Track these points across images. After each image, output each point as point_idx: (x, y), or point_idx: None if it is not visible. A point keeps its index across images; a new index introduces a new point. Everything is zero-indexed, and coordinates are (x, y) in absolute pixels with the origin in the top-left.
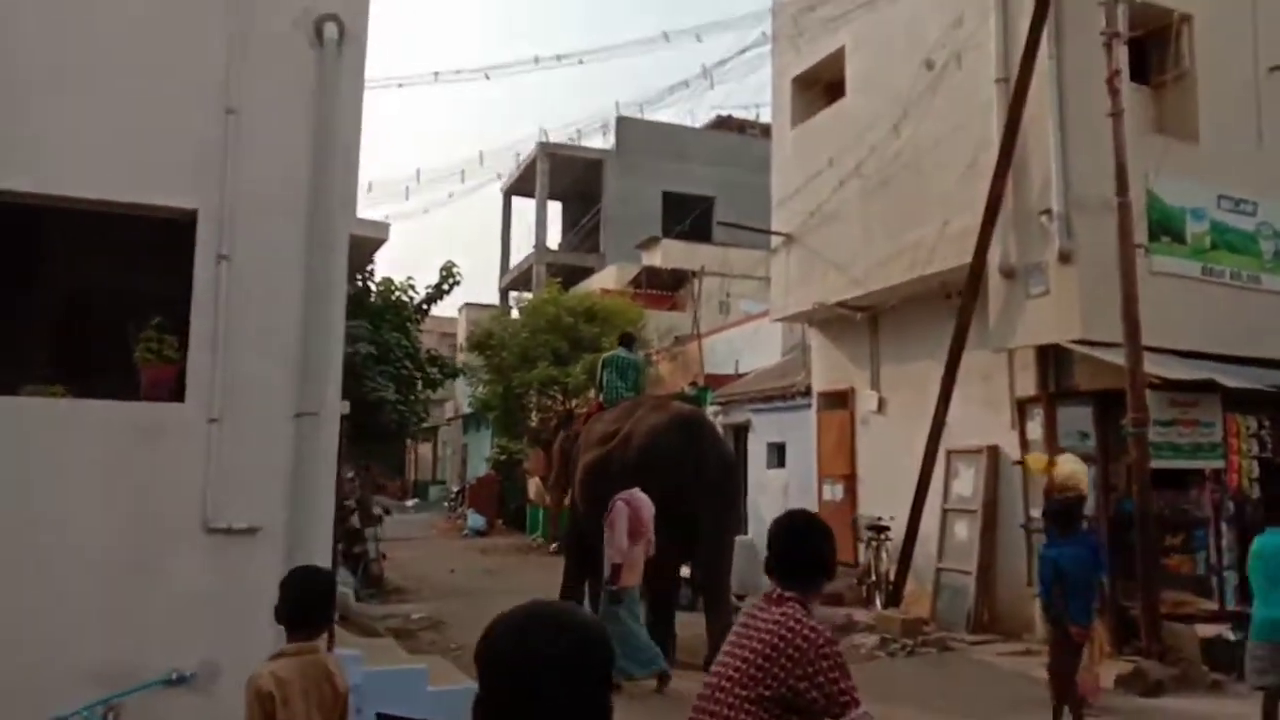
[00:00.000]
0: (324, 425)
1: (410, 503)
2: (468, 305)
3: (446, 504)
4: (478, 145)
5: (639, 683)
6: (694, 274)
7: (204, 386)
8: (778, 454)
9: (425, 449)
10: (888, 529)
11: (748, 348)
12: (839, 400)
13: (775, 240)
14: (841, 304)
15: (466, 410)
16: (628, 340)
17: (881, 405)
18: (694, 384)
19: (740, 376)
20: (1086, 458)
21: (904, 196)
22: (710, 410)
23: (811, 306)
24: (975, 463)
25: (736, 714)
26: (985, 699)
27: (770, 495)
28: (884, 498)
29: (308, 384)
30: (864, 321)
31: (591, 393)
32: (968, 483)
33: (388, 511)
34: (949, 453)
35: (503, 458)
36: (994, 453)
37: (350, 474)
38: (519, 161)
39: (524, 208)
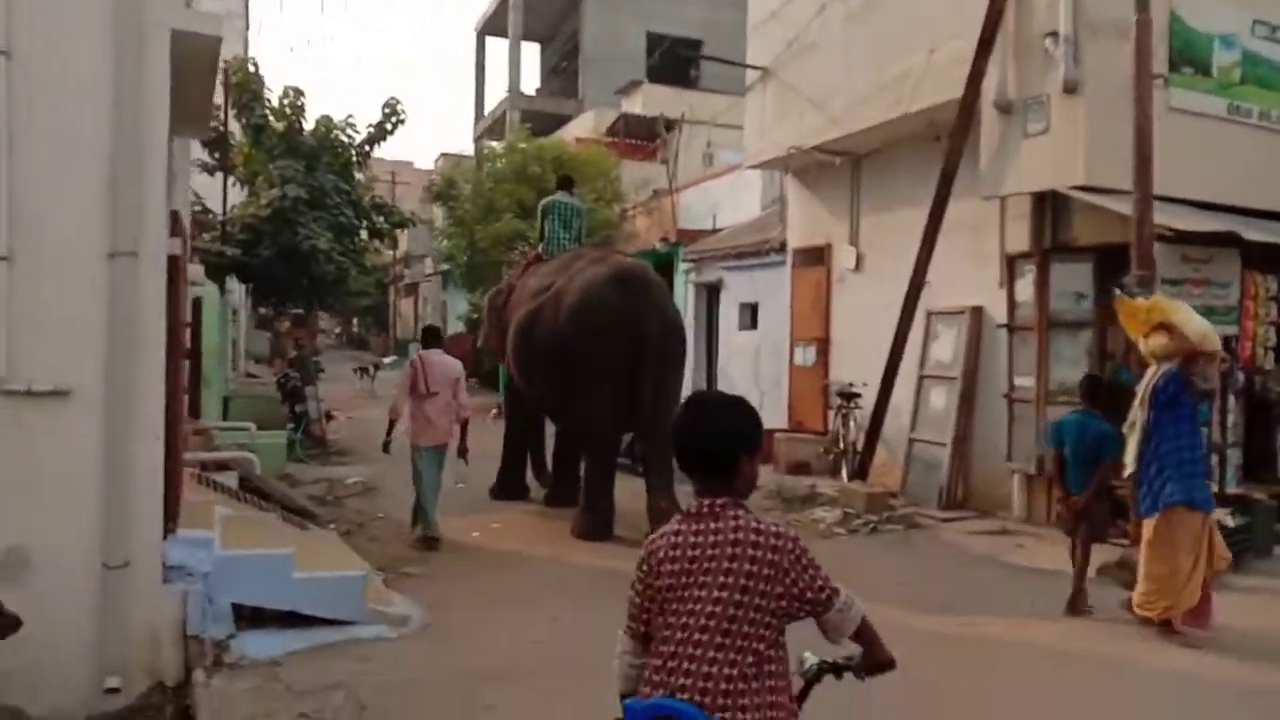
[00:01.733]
0: (146, 268)
1: (389, 359)
2: (444, 155)
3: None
4: None
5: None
6: (670, 123)
7: None
8: (750, 315)
9: (408, 304)
10: (858, 395)
11: (726, 202)
12: (815, 257)
13: (750, 75)
14: (819, 148)
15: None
16: (567, 183)
17: (859, 262)
18: (665, 240)
19: (717, 232)
20: (1081, 323)
21: (889, 21)
22: (682, 269)
23: (787, 151)
24: (957, 325)
25: (747, 654)
26: (951, 583)
27: (741, 359)
28: (858, 363)
29: (122, 217)
30: (843, 168)
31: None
32: (947, 347)
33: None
34: (929, 314)
35: (475, 316)
36: (978, 314)
37: (285, 326)
38: None
39: (499, 49)
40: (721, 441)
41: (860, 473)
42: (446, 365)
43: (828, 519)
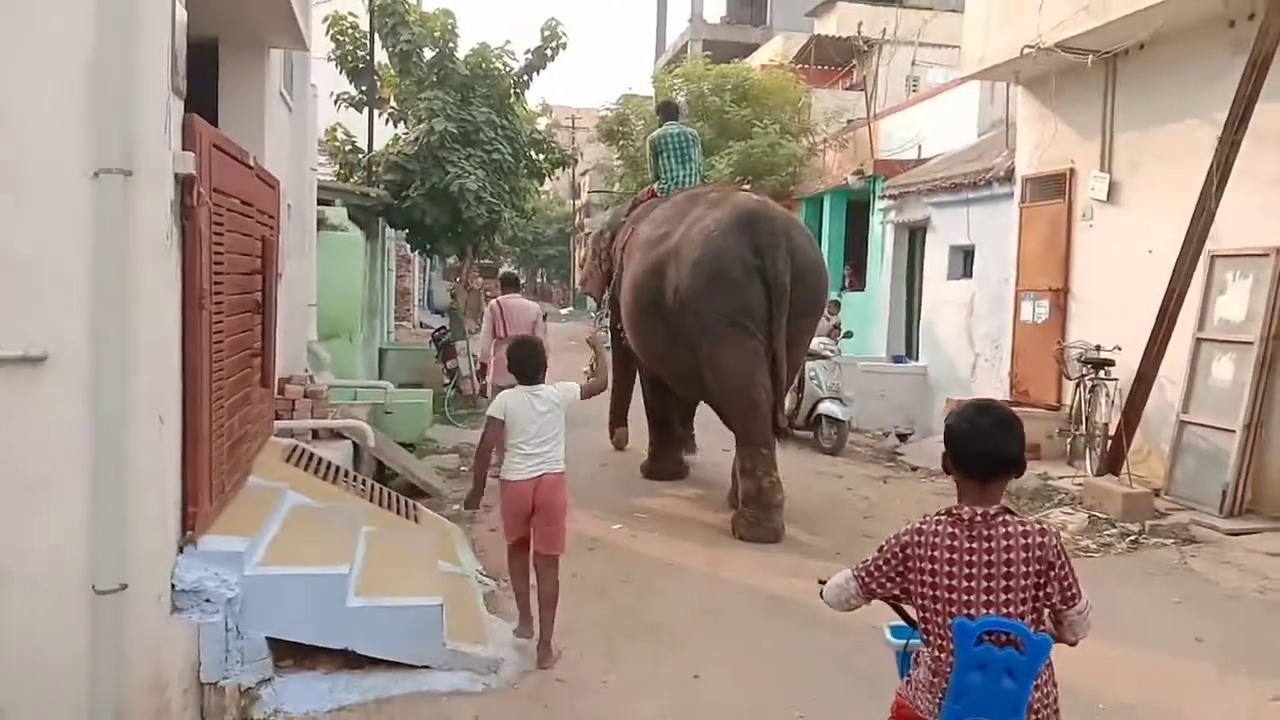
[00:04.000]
0: (145, 192)
1: (565, 311)
2: (626, 96)
3: (593, 314)
4: None
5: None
6: (869, 42)
7: None
8: (963, 260)
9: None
10: (1111, 364)
11: (934, 128)
12: (1053, 187)
13: None
14: (1064, 45)
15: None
16: (672, 111)
17: (1113, 192)
18: (859, 173)
19: (923, 163)
20: None
21: None
22: (879, 207)
23: (1020, 53)
24: (1254, 272)
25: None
26: (1266, 640)
27: (950, 314)
28: (1107, 321)
29: (110, 121)
30: (1094, 71)
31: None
32: (1239, 302)
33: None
34: (1213, 257)
35: None
36: None
37: (448, 283)
38: None
39: None
40: (1015, 459)
41: (1112, 464)
42: (526, 309)
43: (1070, 525)
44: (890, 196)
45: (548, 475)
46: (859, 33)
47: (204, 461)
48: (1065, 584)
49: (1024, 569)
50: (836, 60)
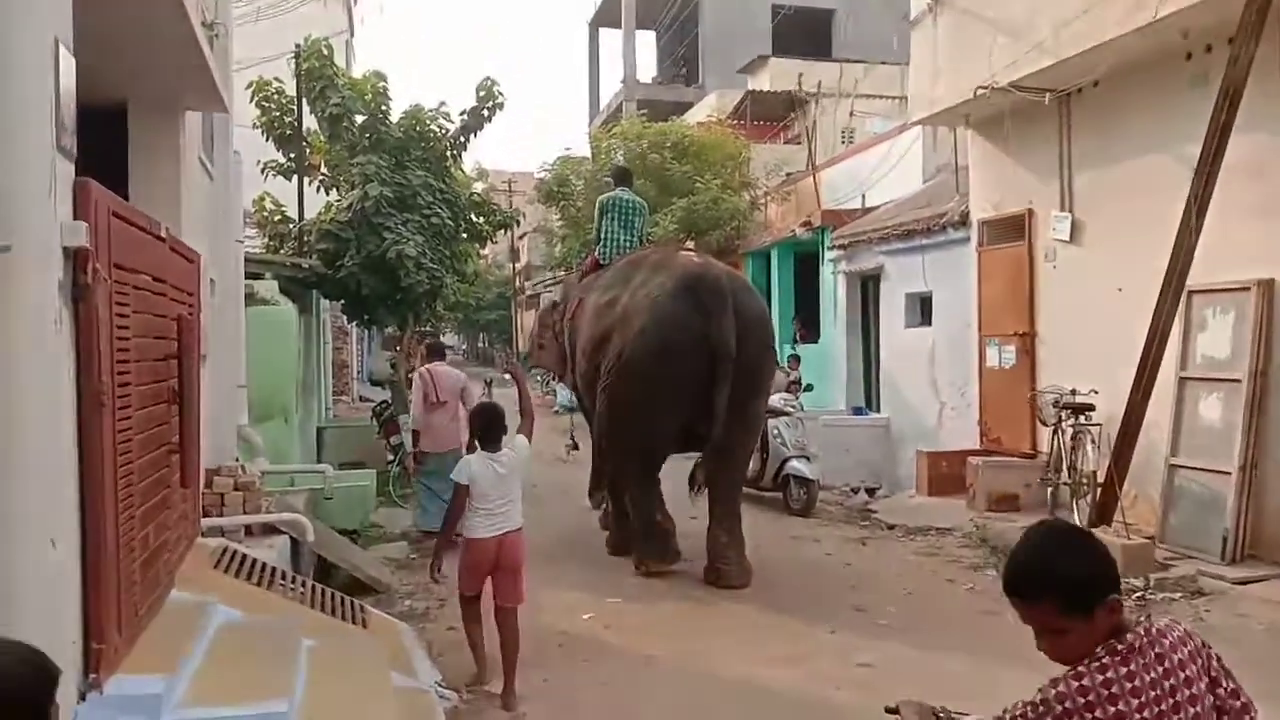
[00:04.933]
0: (24, 269)
1: (508, 376)
2: (564, 158)
3: (539, 378)
4: None
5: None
6: (806, 96)
7: None
8: (920, 308)
9: (531, 317)
10: (1091, 408)
11: (877, 177)
12: (1012, 229)
13: (916, 7)
14: (1019, 85)
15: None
16: (625, 177)
17: (1076, 231)
18: (807, 224)
19: (869, 211)
20: None
21: None
22: (829, 257)
23: (974, 94)
24: (1235, 307)
25: None
26: None
27: (910, 364)
28: (1079, 364)
29: None
30: (1048, 111)
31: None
32: (1221, 338)
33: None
34: (1190, 294)
35: None
36: (1268, 291)
37: (388, 353)
38: None
39: (613, 42)
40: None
41: (1102, 514)
42: (454, 376)
43: None
44: (840, 246)
45: (510, 534)
46: (799, 85)
47: (109, 587)
48: (1238, 690)
49: (1200, 680)
50: (772, 115)
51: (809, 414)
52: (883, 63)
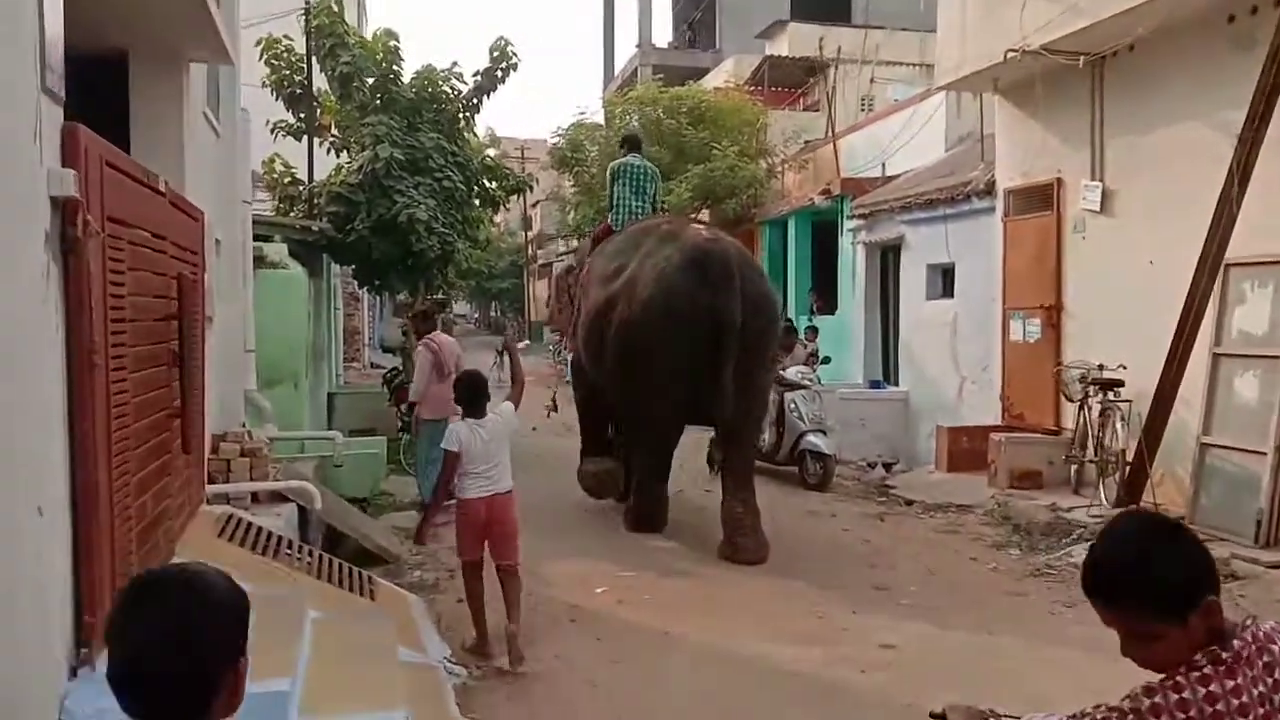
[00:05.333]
0: (9, 218)
1: (521, 344)
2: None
3: (550, 347)
4: None
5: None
6: (827, 61)
7: None
8: (942, 279)
9: (543, 287)
10: (1120, 384)
11: (899, 145)
12: (1039, 198)
13: None
14: (1050, 48)
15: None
16: (635, 143)
17: (1106, 201)
18: (826, 192)
19: (889, 180)
20: None
21: None
22: (849, 226)
23: (1004, 57)
24: (1274, 280)
25: None
26: None
27: (930, 336)
28: (1107, 338)
29: None
30: (1080, 76)
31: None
32: (1259, 313)
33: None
34: (1227, 266)
35: None
36: None
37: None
38: None
39: (628, 5)
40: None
41: (1131, 493)
42: (454, 345)
43: None
44: (860, 216)
45: (498, 495)
46: (820, 49)
47: (103, 556)
48: None
49: None
50: (790, 81)
51: (826, 387)
52: (904, 29)
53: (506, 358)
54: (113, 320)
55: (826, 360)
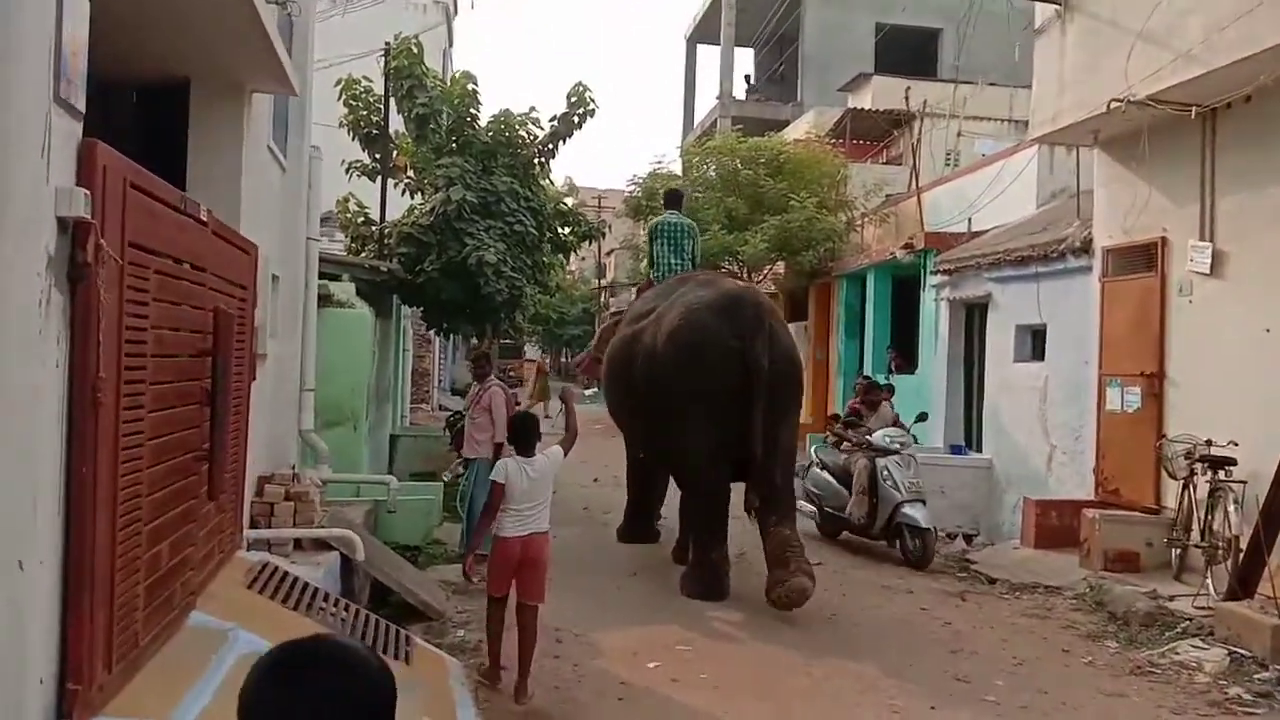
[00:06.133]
0: (4, 240)
1: (589, 391)
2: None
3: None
4: None
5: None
6: (913, 113)
7: None
8: (1032, 341)
9: None
10: (1233, 462)
11: (986, 200)
12: (1141, 258)
13: (1041, 14)
14: (1158, 98)
15: None
16: (676, 200)
17: (1217, 263)
18: (908, 246)
19: (975, 236)
20: None
21: None
22: (932, 283)
23: (1107, 107)
24: None
25: None
26: None
27: (1019, 400)
28: (1215, 412)
29: None
30: (1191, 126)
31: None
32: None
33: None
34: None
35: None
36: None
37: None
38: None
39: (710, 58)
40: None
41: (1244, 584)
42: (508, 392)
43: (1207, 665)
44: (944, 271)
45: (535, 535)
46: (905, 100)
47: (97, 615)
48: None
49: None
50: (872, 134)
51: (921, 448)
52: (992, 84)
53: (586, 403)
54: (129, 355)
55: (923, 417)
